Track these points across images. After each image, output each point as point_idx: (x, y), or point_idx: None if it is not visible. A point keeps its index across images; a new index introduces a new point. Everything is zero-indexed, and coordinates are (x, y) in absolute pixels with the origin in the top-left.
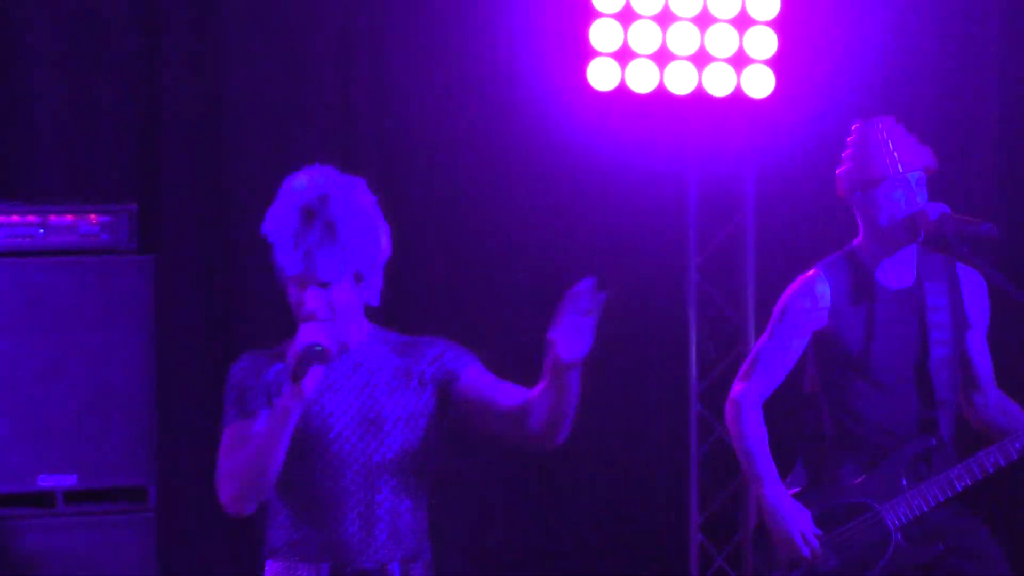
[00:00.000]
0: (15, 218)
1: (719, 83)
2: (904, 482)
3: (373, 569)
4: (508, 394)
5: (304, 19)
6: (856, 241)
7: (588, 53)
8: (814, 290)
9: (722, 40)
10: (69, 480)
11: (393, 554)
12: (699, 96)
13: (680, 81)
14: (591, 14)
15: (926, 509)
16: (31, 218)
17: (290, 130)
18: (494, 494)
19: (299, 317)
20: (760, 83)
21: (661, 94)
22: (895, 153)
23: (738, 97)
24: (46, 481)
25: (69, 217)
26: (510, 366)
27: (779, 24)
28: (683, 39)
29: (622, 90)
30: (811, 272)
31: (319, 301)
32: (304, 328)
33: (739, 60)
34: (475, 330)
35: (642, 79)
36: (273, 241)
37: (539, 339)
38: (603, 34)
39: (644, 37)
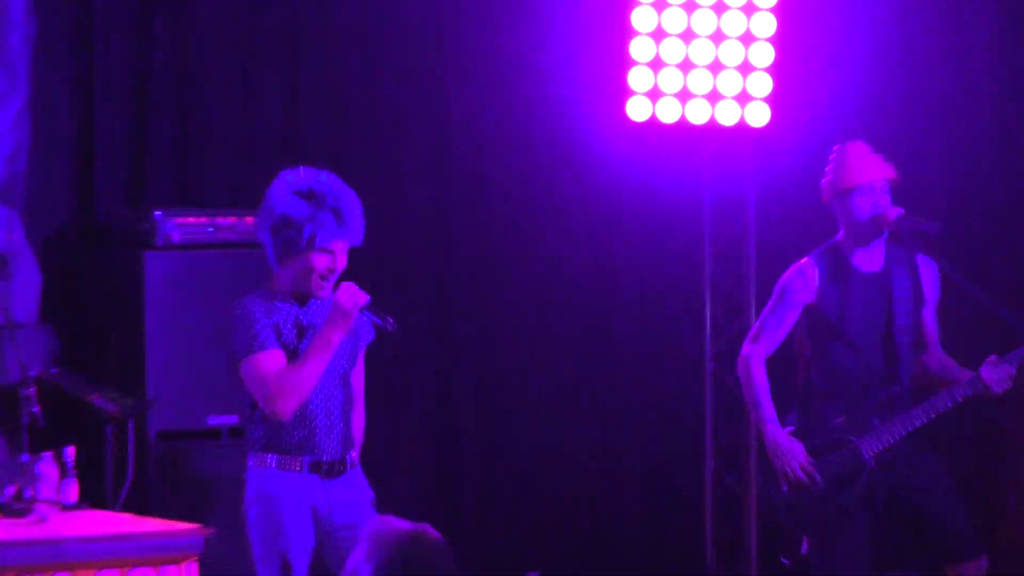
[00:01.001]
0: (191, 219)
1: (727, 115)
2: (875, 421)
3: (337, 460)
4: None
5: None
6: (837, 236)
7: (626, 92)
8: (806, 273)
9: (730, 82)
10: (231, 420)
11: (347, 447)
12: (712, 126)
13: (697, 114)
14: (628, 62)
15: (892, 442)
16: (203, 219)
17: (385, 159)
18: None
19: (322, 273)
20: (759, 116)
21: (683, 124)
22: (864, 168)
23: (742, 127)
24: (214, 420)
25: (231, 219)
26: (554, 356)
27: (774, 69)
28: (700, 82)
29: (653, 121)
30: (804, 259)
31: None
32: (348, 284)
33: (743, 98)
34: (524, 323)
35: (668, 112)
36: (307, 218)
37: (583, 330)
38: (638, 78)
39: (670, 80)
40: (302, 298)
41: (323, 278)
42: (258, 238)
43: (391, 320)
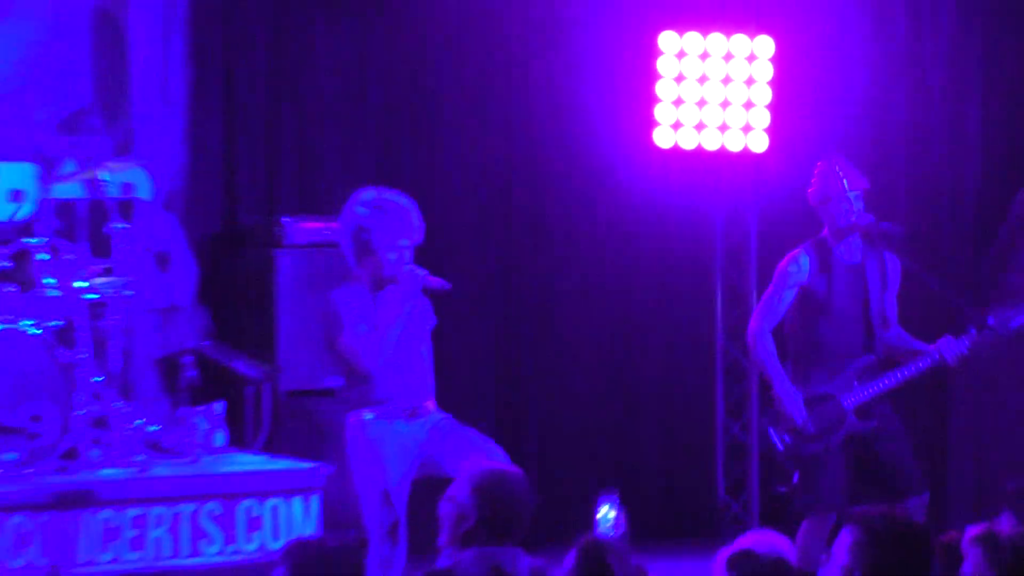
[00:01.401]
0: (310, 224)
1: (734, 143)
2: (855, 382)
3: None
4: None
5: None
6: (822, 233)
7: (653, 124)
8: (799, 261)
9: (736, 116)
10: (340, 381)
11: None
12: (722, 151)
13: (710, 141)
14: (654, 99)
15: (868, 399)
16: (319, 224)
17: (465, 174)
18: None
19: (399, 262)
20: (759, 143)
21: (699, 150)
22: (842, 180)
23: (746, 152)
24: (329, 381)
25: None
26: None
27: (771, 106)
28: (712, 116)
29: (675, 148)
30: (796, 250)
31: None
32: (411, 268)
33: (746, 128)
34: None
35: (687, 140)
36: (383, 231)
37: (619, 312)
38: (663, 113)
39: (688, 115)
40: (379, 286)
41: (393, 269)
42: (339, 244)
43: (443, 281)
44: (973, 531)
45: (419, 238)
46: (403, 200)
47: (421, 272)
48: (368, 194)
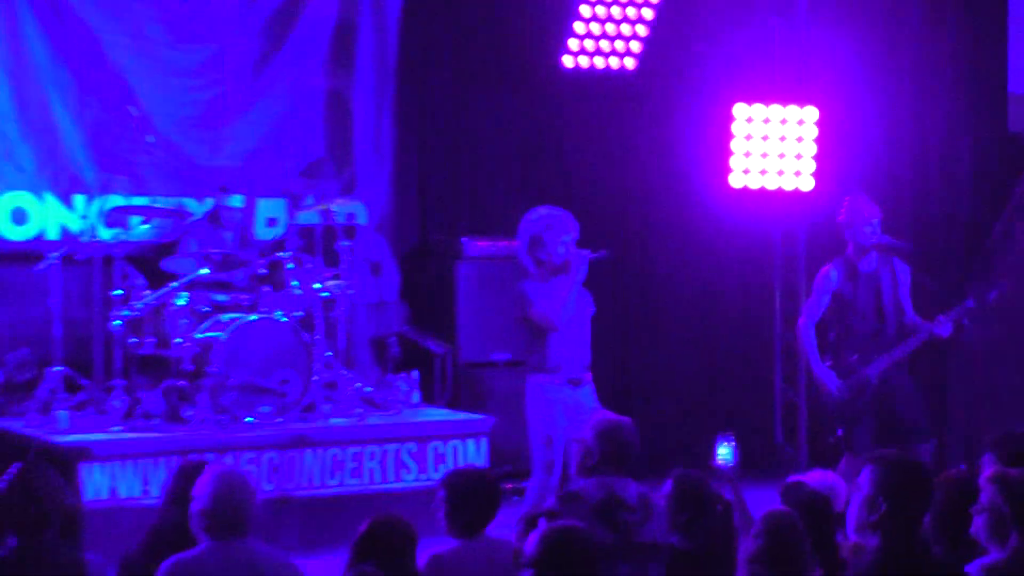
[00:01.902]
0: (483, 242)
1: (788, 183)
2: (875, 356)
3: (580, 376)
4: None
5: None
6: (848, 250)
7: (728, 170)
8: (829, 274)
9: (790, 164)
10: (506, 355)
11: (584, 369)
12: (779, 190)
13: (771, 182)
14: (728, 152)
15: (885, 367)
16: (489, 242)
17: (597, 202)
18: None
19: (567, 252)
20: (807, 183)
21: (762, 189)
22: (863, 211)
23: (797, 191)
24: (494, 355)
25: (506, 242)
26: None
27: (817, 156)
28: (772, 163)
29: (744, 187)
30: (828, 265)
31: None
32: (579, 251)
33: (797, 173)
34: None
35: (753, 181)
36: (554, 231)
37: (704, 310)
38: (736, 162)
39: (755, 163)
40: (551, 277)
41: (564, 257)
42: (518, 255)
43: (604, 252)
44: (988, 471)
45: (577, 235)
46: (562, 210)
47: (586, 252)
48: (536, 213)
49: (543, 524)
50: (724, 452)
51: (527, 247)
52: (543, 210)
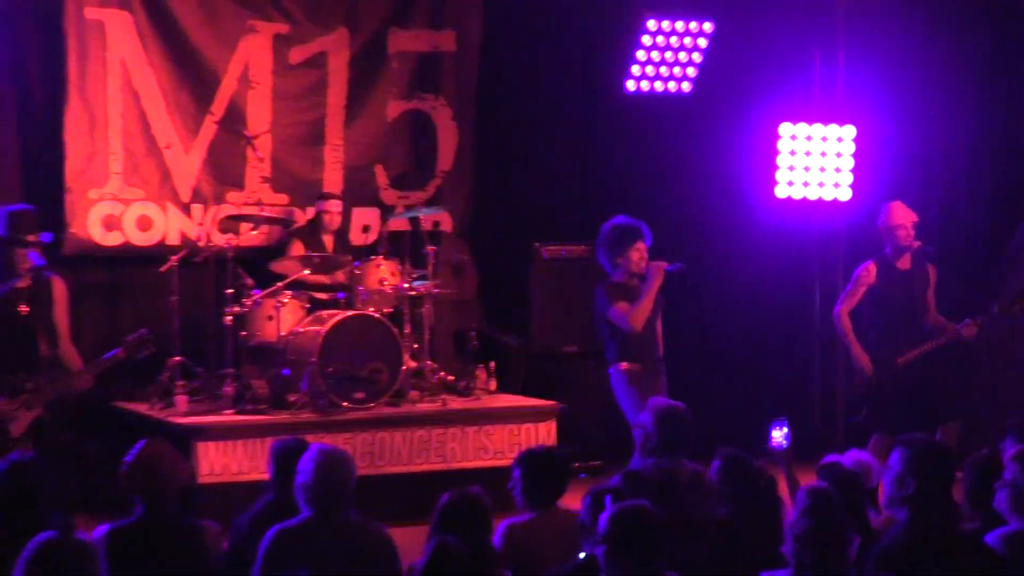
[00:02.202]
0: (555, 248)
1: (829, 193)
2: (906, 348)
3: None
4: None
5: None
6: (885, 250)
7: (774, 182)
8: (870, 269)
9: (830, 176)
10: (572, 349)
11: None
12: (820, 200)
13: (813, 193)
14: (775, 167)
15: (913, 358)
16: (560, 248)
17: (667, 214)
18: None
19: (641, 260)
20: (845, 193)
21: (805, 199)
22: (898, 216)
23: (836, 200)
24: (567, 348)
25: (579, 247)
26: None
27: (854, 170)
28: (814, 176)
29: (789, 197)
30: (868, 262)
31: None
32: (655, 262)
33: (836, 184)
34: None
35: (797, 192)
36: (631, 240)
37: (751, 304)
38: (782, 175)
39: (798, 176)
40: (629, 280)
41: (640, 264)
42: (599, 259)
43: (680, 265)
44: (1010, 451)
45: (650, 242)
46: (638, 222)
47: (661, 263)
48: (617, 221)
49: (608, 502)
50: (778, 435)
51: (607, 253)
52: (622, 220)
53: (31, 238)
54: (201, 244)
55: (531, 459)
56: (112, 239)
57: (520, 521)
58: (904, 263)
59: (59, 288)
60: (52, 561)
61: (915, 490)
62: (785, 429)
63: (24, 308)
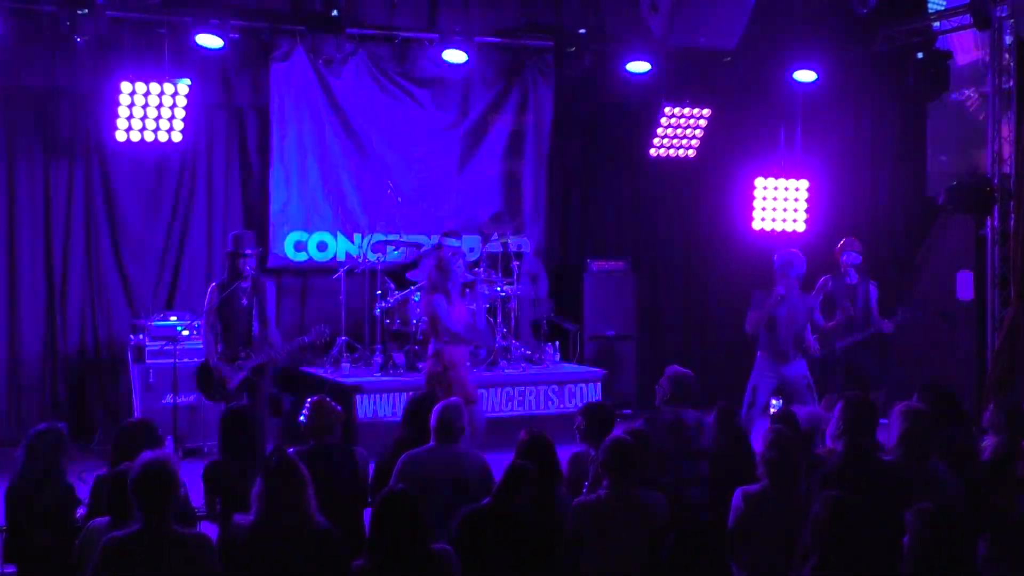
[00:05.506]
0: (600, 262)
1: (788, 226)
2: (847, 336)
3: (790, 351)
4: None
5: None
6: (840, 268)
7: (751, 219)
8: (827, 280)
9: (789, 213)
10: (612, 332)
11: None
12: (783, 231)
13: (777, 225)
14: (752, 208)
15: (850, 343)
16: (604, 262)
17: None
18: None
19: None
20: (801, 226)
21: (772, 231)
22: (851, 244)
23: (794, 231)
24: (608, 332)
25: (618, 263)
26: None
27: (808, 208)
28: (777, 214)
29: (761, 229)
30: (825, 277)
31: None
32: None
33: (793, 218)
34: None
35: (767, 224)
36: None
37: (737, 313)
38: (757, 214)
39: (767, 215)
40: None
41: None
42: (776, 274)
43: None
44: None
45: (803, 270)
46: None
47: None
48: (788, 248)
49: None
50: (773, 406)
51: (779, 270)
52: (785, 251)
53: (249, 251)
54: (360, 261)
55: (590, 409)
56: (300, 257)
57: (581, 450)
58: (851, 278)
59: (269, 288)
60: (277, 469)
61: (846, 428)
62: (777, 403)
63: (246, 301)
